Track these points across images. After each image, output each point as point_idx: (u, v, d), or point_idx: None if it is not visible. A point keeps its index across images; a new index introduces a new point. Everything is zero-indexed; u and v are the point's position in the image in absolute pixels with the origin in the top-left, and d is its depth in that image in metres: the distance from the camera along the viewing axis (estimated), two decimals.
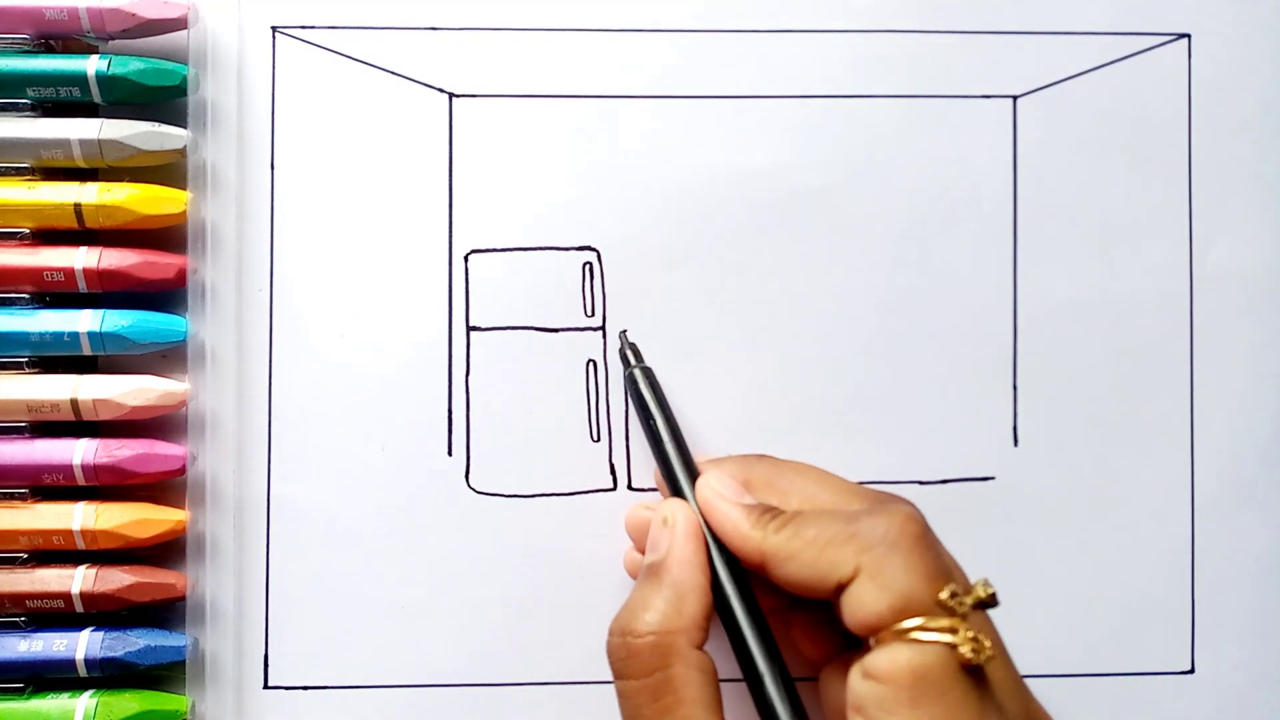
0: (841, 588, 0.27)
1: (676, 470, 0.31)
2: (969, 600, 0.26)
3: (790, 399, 0.36)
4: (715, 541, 0.29)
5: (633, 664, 0.28)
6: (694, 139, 0.36)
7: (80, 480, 0.33)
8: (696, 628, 0.28)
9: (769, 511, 0.29)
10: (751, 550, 0.28)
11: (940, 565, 0.27)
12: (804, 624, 0.31)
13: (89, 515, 0.33)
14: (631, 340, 0.35)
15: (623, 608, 0.29)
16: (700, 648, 0.28)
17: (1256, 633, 0.36)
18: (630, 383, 0.34)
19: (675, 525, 0.29)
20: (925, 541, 0.27)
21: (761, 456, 0.32)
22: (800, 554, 0.27)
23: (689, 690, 0.27)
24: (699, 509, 0.30)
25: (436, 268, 0.35)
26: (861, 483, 0.36)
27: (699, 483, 0.30)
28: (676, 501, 0.30)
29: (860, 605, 0.26)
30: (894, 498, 0.29)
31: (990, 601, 0.26)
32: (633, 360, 0.34)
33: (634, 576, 0.35)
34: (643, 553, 0.34)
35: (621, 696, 0.28)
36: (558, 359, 0.35)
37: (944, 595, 0.26)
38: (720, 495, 0.30)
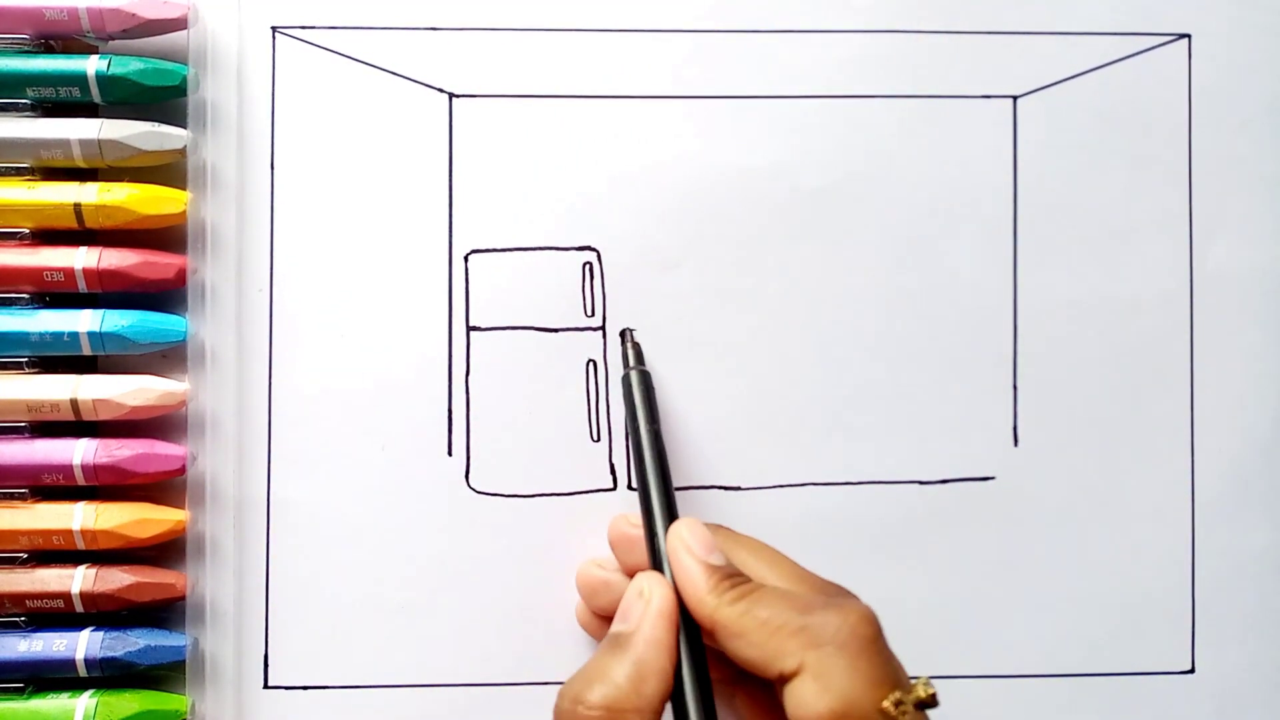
0: (784, 678, 0.26)
1: (654, 502, 0.31)
2: (910, 704, 0.25)
3: (790, 399, 0.36)
4: (685, 618, 0.28)
5: None
6: (694, 139, 0.36)
7: (80, 480, 0.33)
8: (651, 710, 0.27)
9: (730, 578, 0.28)
10: (703, 616, 0.28)
11: (887, 671, 0.26)
12: (749, 698, 0.30)
13: (89, 515, 0.33)
14: (636, 340, 0.35)
15: (580, 672, 0.28)
16: None
17: (1256, 633, 0.36)
18: (625, 385, 0.34)
19: (650, 602, 0.28)
20: (875, 646, 0.26)
21: (718, 527, 0.31)
22: (749, 634, 0.27)
23: None
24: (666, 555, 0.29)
25: (436, 268, 0.35)
26: (862, 483, 0.36)
27: (671, 530, 0.30)
28: (654, 576, 0.29)
29: (801, 702, 0.26)
30: (847, 593, 0.28)
31: (930, 702, 0.26)
32: (632, 361, 0.34)
33: (587, 630, 0.34)
34: (594, 609, 0.34)
35: None
36: (558, 359, 0.35)
37: (887, 704, 0.25)
38: (687, 548, 0.29)
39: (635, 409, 0.33)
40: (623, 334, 0.35)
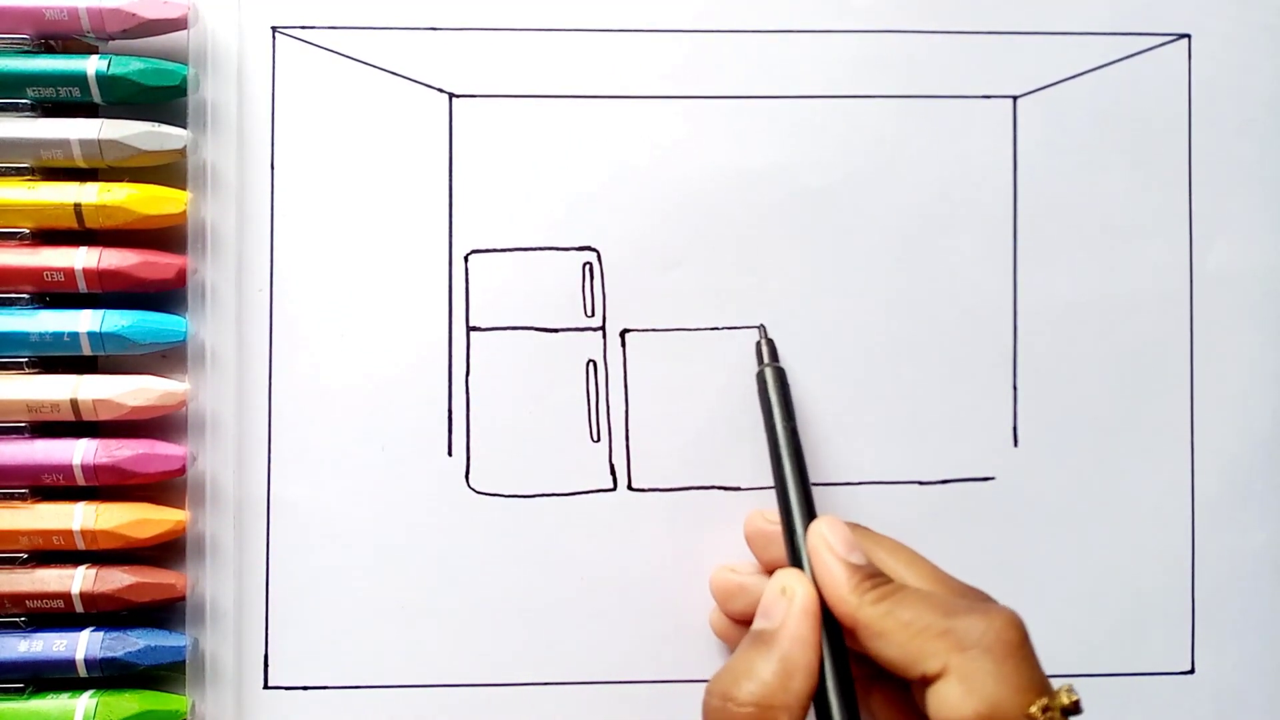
0: (927, 680, 0.26)
1: (792, 499, 0.31)
2: (1056, 710, 0.25)
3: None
4: (826, 615, 0.29)
5: None
6: (694, 139, 0.36)
7: (80, 480, 0.33)
8: (800, 706, 0.27)
9: (871, 577, 0.29)
10: (845, 614, 0.28)
11: (1034, 676, 0.26)
12: (884, 697, 0.30)
13: (89, 515, 0.33)
14: (769, 337, 0.35)
15: (725, 669, 0.28)
16: None
17: (1256, 633, 0.36)
18: (760, 382, 0.34)
19: (794, 599, 0.29)
20: (1022, 651, 0.26)
21: (856, 526, 0.32)
22: (891, 634, 0.27)
23: None
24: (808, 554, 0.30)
25: (436, 268, 0.35)
26: (861, 483, 0.36)
27: (812, 527, 0.30)
28: (795, 573, 0.30)
29: (945, 704, 0.26)
30: (988, 598, 0.29)
31: (1074, 709, 0.26)
32: (766, 358, 0.34)
33: (720, 635, 0.35)
34: (730, 614, 0.34)
35: None
36: (558, 359, 0.35)
37: (1034, 709, 0.25)
38: (829, 547, 0.29)
39: (771, 406, 0.33)
40: (760, 330, 0.35)
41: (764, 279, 0.36)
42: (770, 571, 0.32)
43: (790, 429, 0.32)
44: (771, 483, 0.35)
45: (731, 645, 0.35)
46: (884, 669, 0.28)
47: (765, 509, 0.33)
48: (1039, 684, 0.26)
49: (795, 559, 0.30)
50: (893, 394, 0.36)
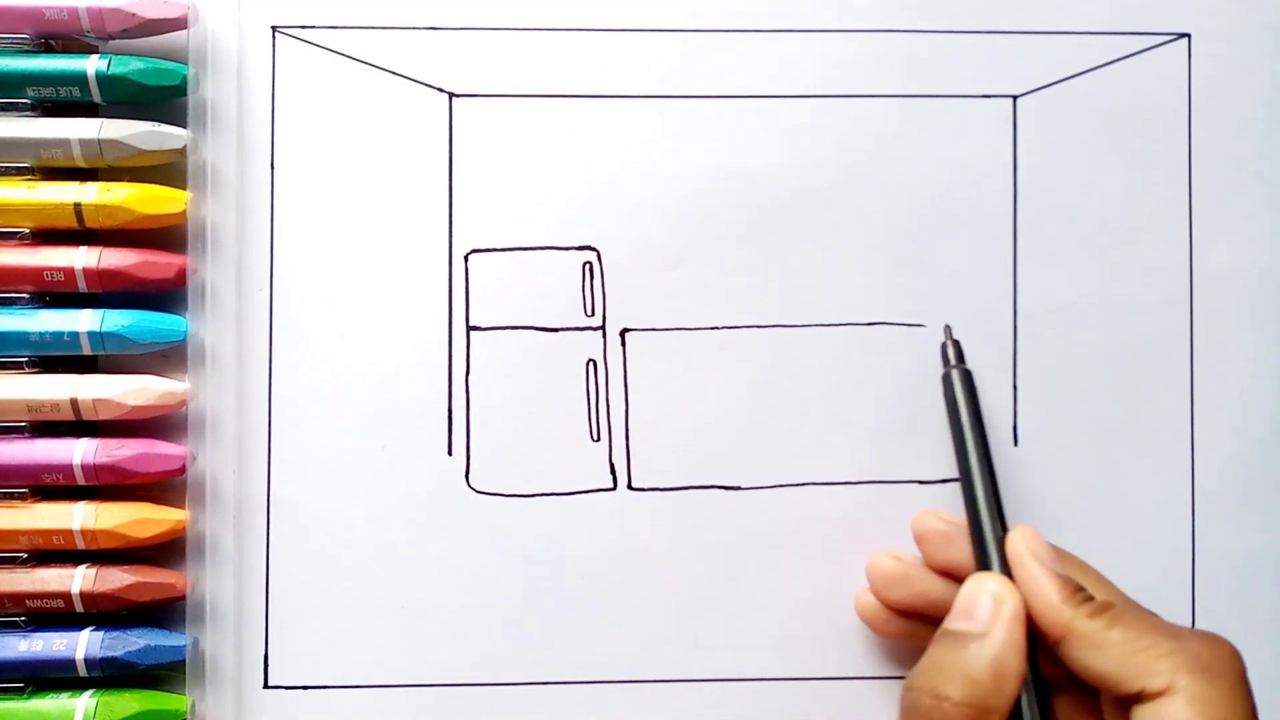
0: (1144, 696, 0.27)
1: (981, 503, 0.32)
2: None
3: (790, 399, 0.36)
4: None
5: None
6: (694, 139, 0.36)
7: (80, 480, 0.33)
8: (1009, 709, 0.28)
9: (1081, 591, 0.29)
10: (1055, 624, 0.28)
11: (1251, 709, 0.27)
12: (1069, 704, 0.31)
13: (89, 515, 0.33)
14: (955, 338, 0.35)
15: (929, 668, 0.29)
16: None
17: (1256, 632, 0.36)
18: (946, 384, 0.34)
19: (1004, 605, 0.29)
20: (1245, 682, 0.27)
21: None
22: (1110, 648, 0.27)
23: None
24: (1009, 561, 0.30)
25: (436, 268, 0.35)
26: (861, 483, 0.36)
27: (1012, 535, 0.31)
28: (1002, 580, 0.30)
29: None
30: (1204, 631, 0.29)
31: None
32: (953, 359, 0.34)
33: (867, 618, 0.34)
34: (887, 600, 0.34)
35: None
36: (558, 359, 0.35)
37: None
38: (1035, 556, 0.30)
39: (959, 409, 0.33)
40: (945, 331, 0.35)
41: (764, 279, 0.36)
42: (940, 571, 0.33)
43: (980, 433, 0.33)
44: (773, 483, 0.36)
45: (877, 629, 0.34)
46: (1080, 681, 0.28)
47: (936, 509, 0.33)
48: (1254, 716, 0.27)
49: (985, 563, 0.31)
50: (893, 394, 0.36)
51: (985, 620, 0.29)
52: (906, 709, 0.29)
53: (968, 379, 0.34)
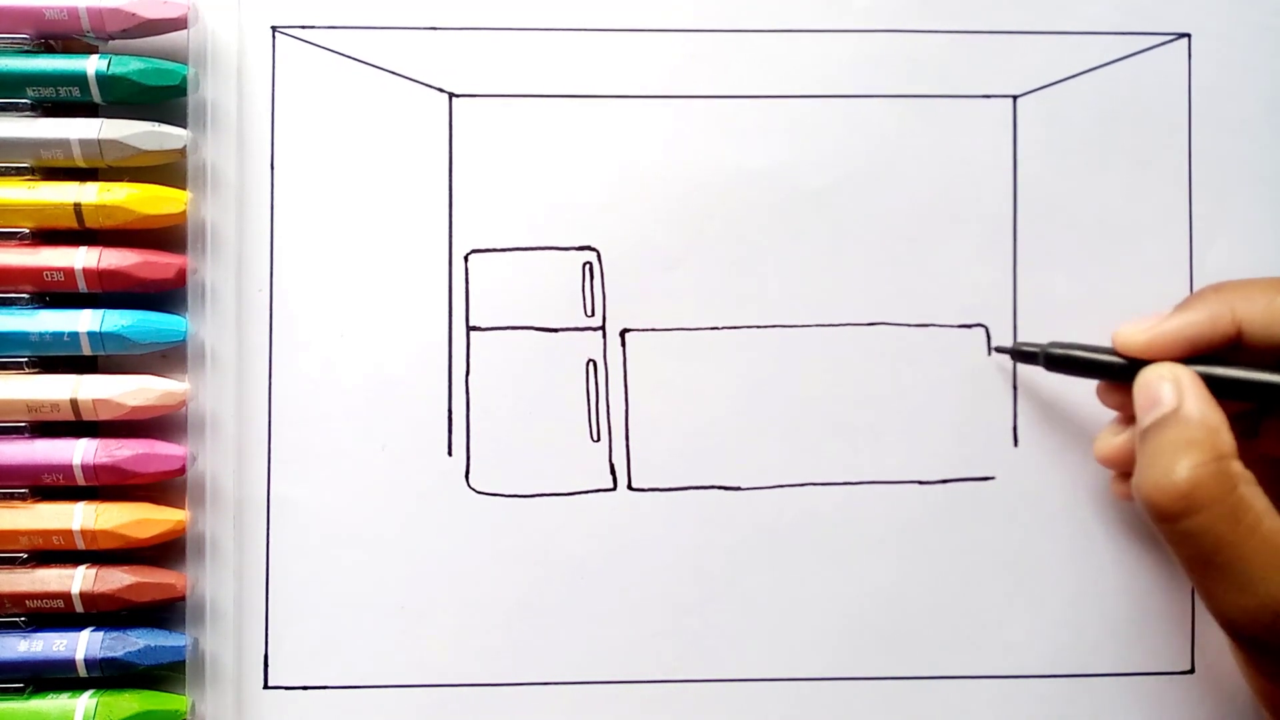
0: None
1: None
2: None
3: (790, 398, 0.36)
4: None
5: (1199, 497, 0.28)
6: (694, 139, 0.36)
7: (80, 480, 0.33)
8: (1235, 456, 0.29)
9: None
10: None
11: None
12: (1273, 430, 0.32)
13: (89, 515, 0.33)
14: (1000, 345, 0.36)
15: (1144, 465, 0.29)
16: None
17: None
18: (1048, 360, 0.34)
19: (1180, 376, 0.30)
20: None
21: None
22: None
23: (1261, 501, 0.28)
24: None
25: (436, 268, 0.35)
26: (862, 483, 0.36)
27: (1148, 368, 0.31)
28: (1165, 364, 0.31)
29: None
30: None
31: None
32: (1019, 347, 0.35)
33: (1105, 458, 0.34)
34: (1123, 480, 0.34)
35: (1192, 536, 0.28)
36: (558, 359, 0.35)
37: None
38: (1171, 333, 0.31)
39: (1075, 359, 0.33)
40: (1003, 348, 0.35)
41: (764, 279, 0.36)
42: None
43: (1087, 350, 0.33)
44: (773, 483, 0.36)
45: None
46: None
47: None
48: None
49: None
50: (893, 394, 0.36)
51: (1171, 398, 0.30)
52: (1154, 505, 0.29)
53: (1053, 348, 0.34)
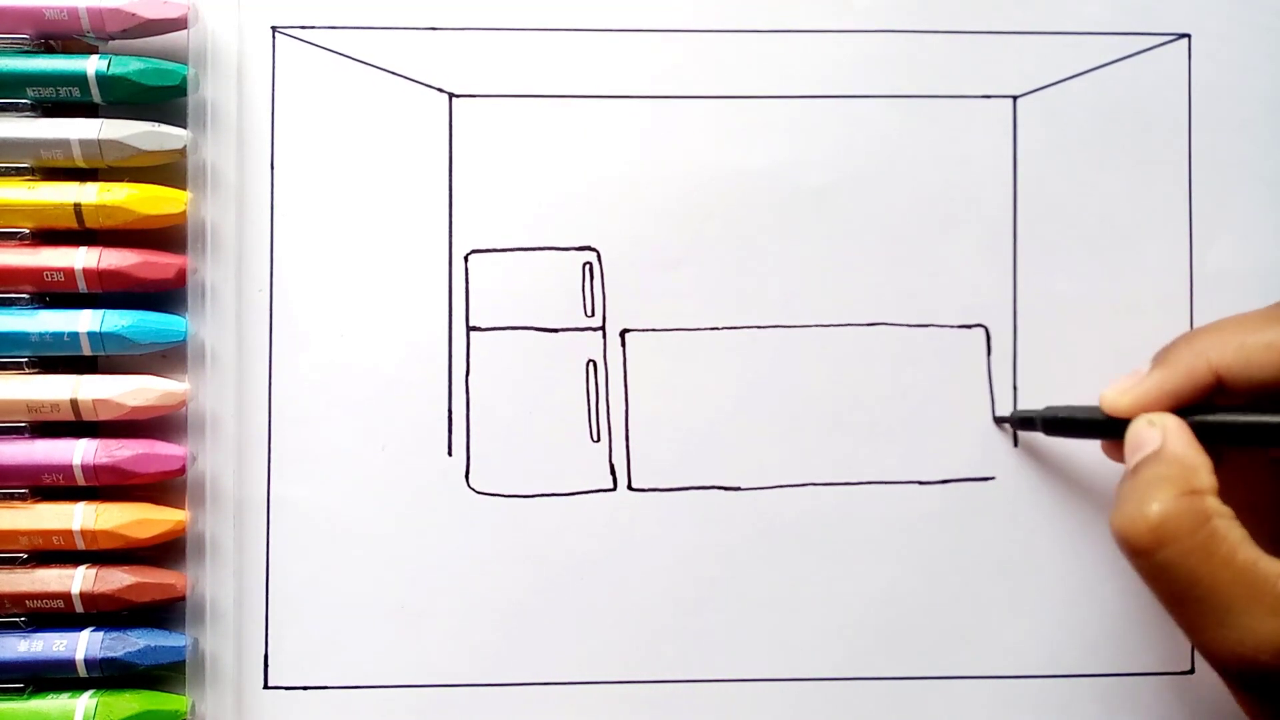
0: None
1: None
2: None
3: (790, 399, 0.36)
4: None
5: (1169, 529, 0.28)
6: (694, 139, 0.36)
7: (80, 480, 0.33)
8: (1214, 492, 0.29)
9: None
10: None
11: None
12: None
13: (89, 515, 0.33)
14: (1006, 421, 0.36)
15: (1123, 502, 0.29)
16: None
17: None
18: (1045, 425, 0.34)
19: (1165, 420, 0.30)
20: None
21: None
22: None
23: (1236, 533, 0.28)
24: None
25: (436, 268, 0.35)
26: (862, 483, 0.36)
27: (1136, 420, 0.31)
28: (1154, 413, 0.31)
29: None
30: None
31: None
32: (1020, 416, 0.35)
33: None
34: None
35: (1164, 570, 0.28)
36: (558, 359, 0.35)
37: None
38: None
39: (1066, 422, 0.34)
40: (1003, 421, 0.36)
41: (764, 279, 0.36)
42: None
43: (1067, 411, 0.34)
44: (773, 483, 0.35)
45: None
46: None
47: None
48: None
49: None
50: (893, 394, 0.36)
51: (1155, 440, 0.30)
52: (1129, 542, 0.29)
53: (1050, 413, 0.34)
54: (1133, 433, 0.31)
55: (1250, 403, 0.31)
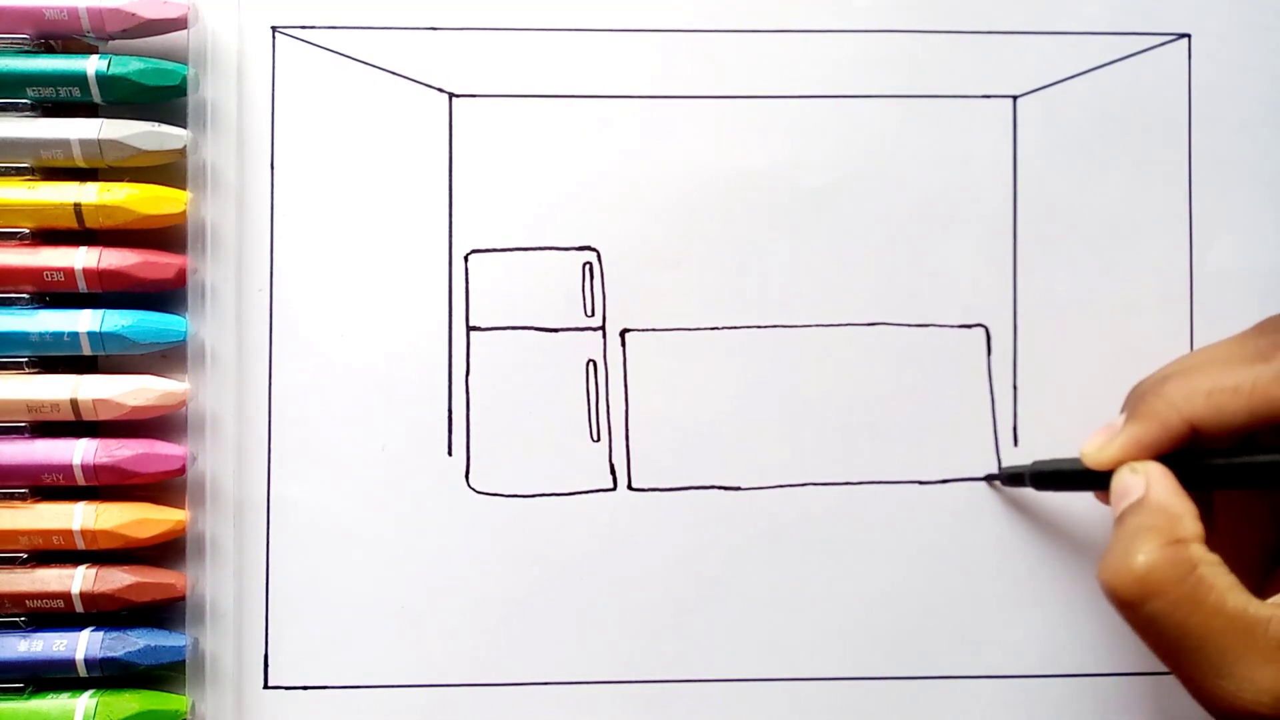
0: None
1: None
2: None
3: (790, 399, 0.36)
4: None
5: (1154, 580, 0.28)
6: (694, 139, 0.36)
7: (80, 480, 0.33)
8: (1200, 539, 0.28)
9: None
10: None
11: None
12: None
13: (89, 515, 0.33)
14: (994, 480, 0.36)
15: (1107, 554, 0.29)
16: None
17: None
18: (1034, 480, 0.34)
19: (1149, 469, 0.30)
20: None
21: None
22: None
23: (1224, 579, 0.27)
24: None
25: (436, 268, 0.35)
26: (862, 483, 0.36)
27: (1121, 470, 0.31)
28: (1135, 461, 0.31)
29: None
30: None
31: None
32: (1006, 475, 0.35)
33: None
34: None
35: (1154, 622, 0.28)
36: (558, 359, 0.35)
37: None
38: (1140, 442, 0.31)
39: (1055, 476, 0.34)
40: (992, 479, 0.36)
41: (764, 279, 0.36)
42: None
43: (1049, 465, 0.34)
44: (773, 483, 0.36)
45: None
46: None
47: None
48: None
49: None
50: (892, 394, 0.36)
51: (1139, 489, 0.30)
52: (1116, 594, 0.29)
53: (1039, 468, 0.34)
54: (1117, 481, 0.31)
55: (1237, 443, 0.30)
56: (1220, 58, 0.36)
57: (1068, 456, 0.33)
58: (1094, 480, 0.32)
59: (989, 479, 0.36)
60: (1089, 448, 0.32)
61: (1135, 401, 0.32)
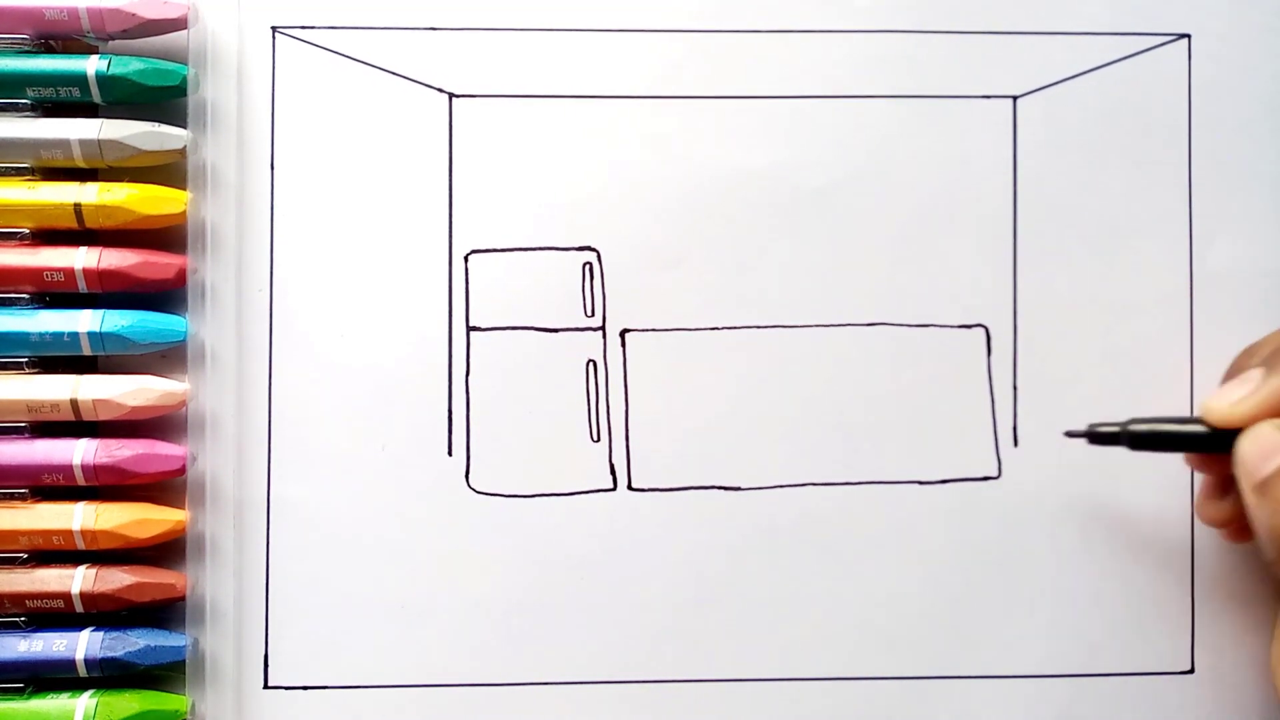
0: None
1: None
2: None
3: (790, 399, 0.36)
4: None
5: None
6: (694, 139, 0.36)
7: (80, 480, 0.33)
8: None
9: None
10: None
11: None
12: None
13: (89, 515, 0.33)
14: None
15: (1275, 514, 0.29)
16: None
17: (1256, 633, 0.36)
18: (1131, 440, 0.33)
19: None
20: None
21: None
22: None
23: None
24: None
25: (436, 268, 0.35)
26: (862, 483, 0.36)
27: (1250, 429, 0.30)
28: (1269, 422, 0.30)
29: None
30: None
31: None
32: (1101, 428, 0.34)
33: (1214, 522, 0.34)
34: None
35: None
36: (558, 359, 0.35)
37: None
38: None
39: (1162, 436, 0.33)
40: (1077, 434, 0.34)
41: (764, 279, 0.36)
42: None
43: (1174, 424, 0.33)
44: (773, 483, 0.36)
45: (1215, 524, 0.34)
46: None
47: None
48: None
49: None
50: (893, 394, 0.36)
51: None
52: (1276, 561, 0.28)
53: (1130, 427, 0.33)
54: (1257, 440, 0.29)
55: None
56: (1220, 58, 0.36)
57: (1163, 415, 0.32)
58: (1212, 442, 0.31)
59: (1072, 434, 0.34)
60: (1217, 402, 0.30)
61: (1266, 354, 0.31)
